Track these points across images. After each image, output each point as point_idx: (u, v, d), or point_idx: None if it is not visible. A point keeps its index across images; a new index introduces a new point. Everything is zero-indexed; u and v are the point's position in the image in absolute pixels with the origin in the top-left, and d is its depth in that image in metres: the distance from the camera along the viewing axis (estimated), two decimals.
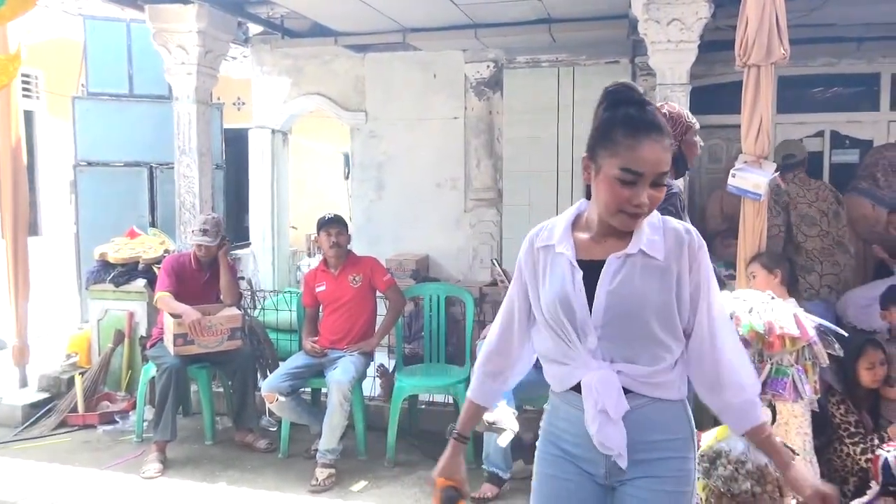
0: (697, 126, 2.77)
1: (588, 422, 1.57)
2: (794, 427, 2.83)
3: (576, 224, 1.67)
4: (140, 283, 4.90)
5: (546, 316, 1.62)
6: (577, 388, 1.61)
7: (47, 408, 4.71)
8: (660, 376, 1.57)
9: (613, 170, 1.50)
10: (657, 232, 1.57)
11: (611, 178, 1.51)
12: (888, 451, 2.60)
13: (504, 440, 3.04)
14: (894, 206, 4.51)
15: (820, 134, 5.84)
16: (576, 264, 1.59)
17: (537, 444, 1.77)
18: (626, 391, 1.56)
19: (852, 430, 3.12)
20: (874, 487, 2.66)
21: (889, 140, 5.50)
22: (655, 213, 1.58)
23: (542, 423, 1.76)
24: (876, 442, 3.02)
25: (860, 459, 3.04)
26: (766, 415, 2.52)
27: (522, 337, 1.77)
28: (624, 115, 1.52)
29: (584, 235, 1.64)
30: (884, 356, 3.22)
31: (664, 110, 2.75)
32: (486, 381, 1.82)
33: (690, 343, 1.60)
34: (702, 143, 2.84)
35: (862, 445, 3.04)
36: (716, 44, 4.73)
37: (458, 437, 1.81)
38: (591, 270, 1.58)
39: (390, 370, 4.68)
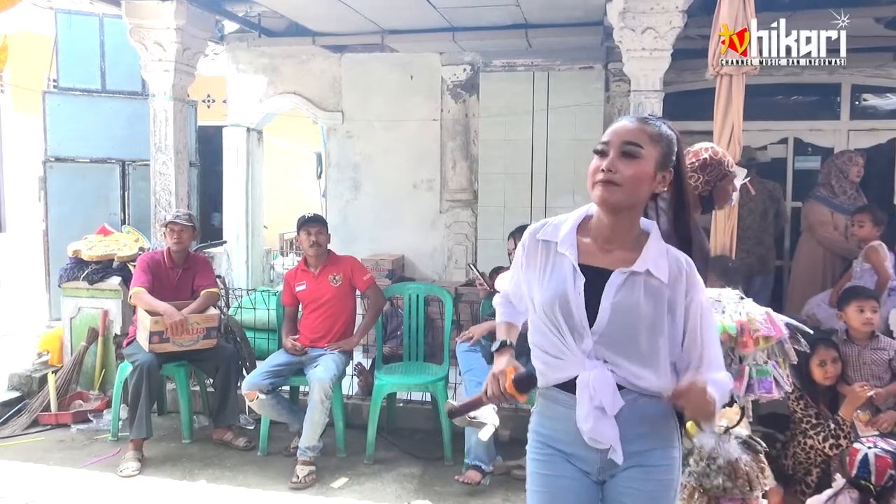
0: (736, 176, 2.71)
1: (580, 419, 1.64)
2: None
3: (582, 227, 1.73)
4: (115, 280, 4.85)
5: (543, 311, 1.68)
6: (564, 387, 1.68)
7: (18, 407, 4.64)
8: (649, 376, 1.64)
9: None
10: (663, 256, 1.66)
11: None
12: (869, 448, 2.72)
13: (485, 434, 3.11)
14: (851, 211, 4.73)
15: (784, 141, 6.06)
16: (578, 270, 1.65)
17: (528, 447, 1.81)
18: (619, 387, 1.63)
19: (814, 421, 3.27)
20: (839, 479, 2.79)
21: (848, 148, 5.74)
22: (660, 240, 1.67)
23: (530, 426, 1.81)
24: (832, 426, 3.17)
25: (824, 447, 3.18)
26: (735, 413, 2.65)
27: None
28: None
29: (587, 240, 1.71)
30: (836, 355, 3.38)
31: (706, 154, 2.64)
32: (509, 307, 1.96)
33: (683, 348, 1.67)
34: (736, 190, 2.77)
35: (823, 434, 3.20)
36: (685, 52, 4.88)
37: (506, 343, 1.88)
38: (592, 276, 1.65)
39: (367, 368, 4.72)
